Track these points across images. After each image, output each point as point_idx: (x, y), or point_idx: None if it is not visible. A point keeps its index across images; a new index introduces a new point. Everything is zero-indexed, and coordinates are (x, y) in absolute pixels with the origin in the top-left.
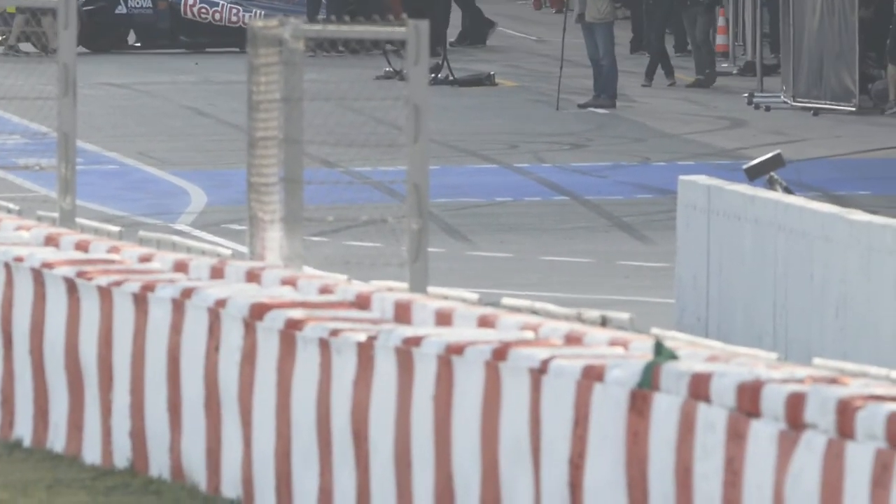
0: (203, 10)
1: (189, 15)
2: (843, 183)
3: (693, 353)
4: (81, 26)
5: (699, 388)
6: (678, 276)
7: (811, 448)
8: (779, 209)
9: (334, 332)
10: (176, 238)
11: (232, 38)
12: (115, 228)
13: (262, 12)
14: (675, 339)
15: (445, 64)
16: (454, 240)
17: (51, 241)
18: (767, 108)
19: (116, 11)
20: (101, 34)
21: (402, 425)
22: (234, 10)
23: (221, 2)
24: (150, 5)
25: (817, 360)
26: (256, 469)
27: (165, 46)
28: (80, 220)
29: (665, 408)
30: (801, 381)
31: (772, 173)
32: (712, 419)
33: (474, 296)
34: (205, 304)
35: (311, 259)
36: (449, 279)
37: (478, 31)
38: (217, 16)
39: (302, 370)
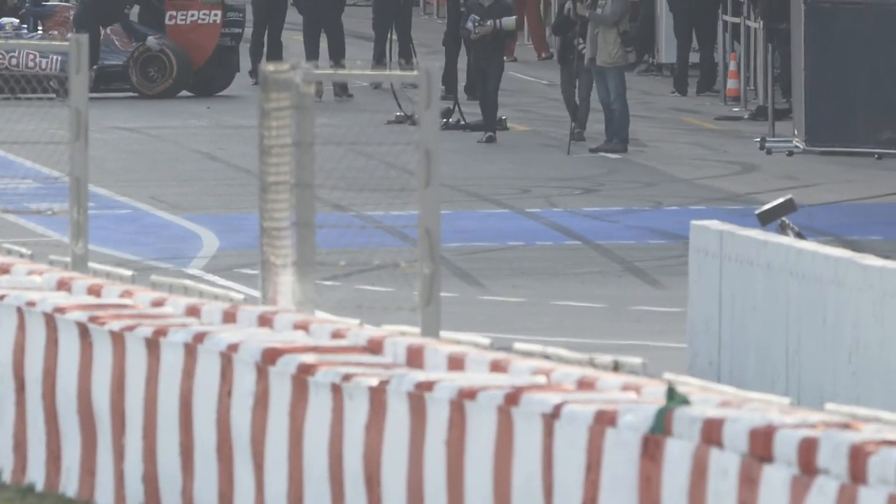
0: None
1: None
2: (856, 228)
3: (705, 398)
4: None
5: (712, 433)
6: (690, 321)
7: (824, 493)
8: (791, 254)
9: (346, 377)
10: (188, 282)
11: None
12: (128, 273)
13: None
14: (687, 384)
15: (457, 108)
16: (466, 284)
17: (63, 285)
18: (790, 153)
19: None
20: None
21: (414, 470)
22: None
23: None
24: None
25: (830, 405)
26: None
27: None
28: (92, 265)
29: (678, 453)
30: (813, 426)
31: (784, 218)
32: (725, 464)
33: (486, 340)
34: (217, 348)
35: (323, 303)
36: (461, 324)
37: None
38: None
39: (314, 415)
